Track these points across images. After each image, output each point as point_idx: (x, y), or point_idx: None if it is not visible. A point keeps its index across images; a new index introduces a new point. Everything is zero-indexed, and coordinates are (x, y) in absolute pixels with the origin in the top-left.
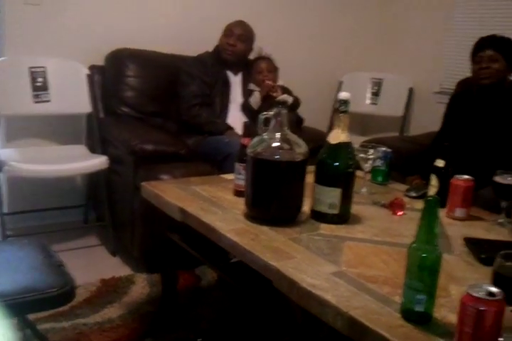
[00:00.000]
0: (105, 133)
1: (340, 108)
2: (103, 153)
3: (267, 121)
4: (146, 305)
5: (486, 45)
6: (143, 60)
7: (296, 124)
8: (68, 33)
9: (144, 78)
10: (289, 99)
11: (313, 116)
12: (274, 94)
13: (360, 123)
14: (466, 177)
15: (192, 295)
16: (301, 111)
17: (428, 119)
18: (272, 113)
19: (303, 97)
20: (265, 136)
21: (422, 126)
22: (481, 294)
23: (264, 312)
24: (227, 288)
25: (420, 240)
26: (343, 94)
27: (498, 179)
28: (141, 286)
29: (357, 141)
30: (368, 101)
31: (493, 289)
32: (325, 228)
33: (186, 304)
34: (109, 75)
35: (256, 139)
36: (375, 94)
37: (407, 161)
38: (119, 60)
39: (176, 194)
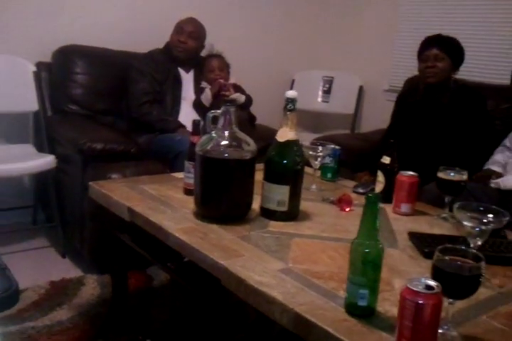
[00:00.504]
0: (53, 132)
1: (287, 106)
2: (51, 152)
3: (215, 119)
4: (96, 307)
5: (432, 44)
6: (92, 56)
7: (249, 122)
8: (14, 29)
9: (92, 75)
10: (242, 98)
11: (265, 114)
12: (227, 93)
13: (313, 120)
14: (411, 173)
15: (144, 296)
16: (254, 109)
17: (378, 117)
18: (220, 111)
19: (255, 95)
20: (214, 134)
21: (373, 124)
22: (419, 288)
23: (216, 312)
24: (180, 287)
25: (362, 236)
26: (291, 93)
27: (441, 175)
28: (92, 287)
29: (309, 138)
30: (319, 99)
31: (432, 283)
32: (274, 225)
33: (138, 305)
34: (57, 72)
35: (205, 137)
36: (327, 92)
37: (357, 158)
38: (66, 56)
39: (124, 193)
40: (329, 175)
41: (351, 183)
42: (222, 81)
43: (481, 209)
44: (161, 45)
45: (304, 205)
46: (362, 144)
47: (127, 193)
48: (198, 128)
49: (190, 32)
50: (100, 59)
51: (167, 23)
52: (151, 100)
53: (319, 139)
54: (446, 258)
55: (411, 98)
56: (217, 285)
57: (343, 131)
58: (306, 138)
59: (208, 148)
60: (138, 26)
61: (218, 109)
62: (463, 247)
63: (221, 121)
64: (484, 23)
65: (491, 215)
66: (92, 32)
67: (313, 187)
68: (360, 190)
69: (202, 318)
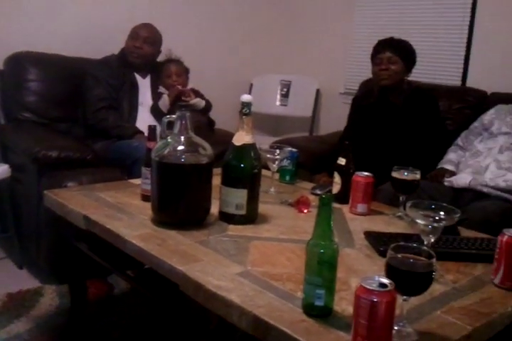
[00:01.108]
0: (6, 141)
1: (243, 110)
2: (4, 161)
3: (170, 124)
4: (55, 318)
5: (385, 48)
6: (45, 63)
7: (208, 127)
8: None
9: (46, 82)
10: (202, 103)
11: (224, 118)
12: (188, 99)
13: (272, 124)
14: (366, 174)
15: (104, 304)
16: (213, 113)
17: (335, 119)
18: (175, 116)
19: (214, 100)
20: (170, 139)
21: (330, 126)
22: (373, 286)
23: (177, 318)
24: (140, 295)
25: (317, 237)
26: (246, 97)
27: (395, 174)
28: (50, 298)
29: (268, 141)
30: (277, 103)
31: (385, 280)
32: (233, 229)
33: (98, 313)
34: (9, 80)
35: (160, 143)
36: (285, 96)
37: (315, 160)
38: (18, 63)
39: (80, 201)
40: (287, 178)
41: (309, 185)
42: (180, 87)
43: (433, 207)
44: (116, 51)
45: (263, 208)
46: (320, 146)
47: (83, 201)
48: (154, 134)
49: (146, 37)
50: (54, 65)
51: (122, 29)
52: (107, 106)
53: (278, 142)
54: (399, 256)
55: (366, 100)
56: (177, 292)
57: (302, 134)
58: (266, 142)
59: (164, 153)
60: (92, 32)
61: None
62: (415, 245)
63: (177, 126)
64: (435, 26)
65: (442, 213)
66: (45, 38)
67: (272, 190)
68: (318, 192)
69: (164, 325)
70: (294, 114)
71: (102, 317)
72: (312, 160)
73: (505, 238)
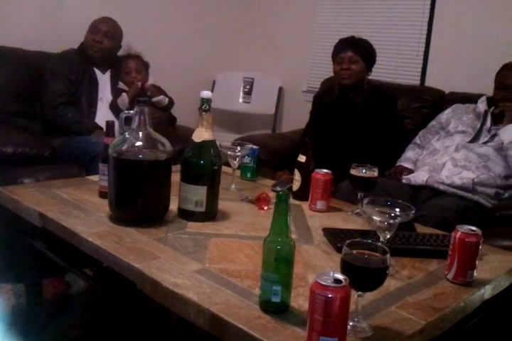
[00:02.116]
0: None
1: (202, 106)
2: None
3: (128, 120)
4: (11, 317)
5: (346, 47)
6: (1, 56)
7: (170, 123)
8: None
9: (3, 76)
10: (165, 100)
11: (186, 115)
12: (155, 97)
13: (235, 121)
14: (326, 171)
15: (61, 303)
16: (175, 110)
17: (297, 117)
18: (133, 111)
19: (176, 96)
20: (127, 135)
21: (293, 124)
22: (328, 282)
23: (136, 316)
24: (99, 293)
25: (274, 233)
26: (205, 93)
27: (353, 172)
28: (6, 298)
29: (231, 138)
30: (240, 100)
31: (339, 276)
32: (192, 226)
33: (55, 313)
34: None
35: (118, 139)
36: (248, 93)
37: (277, 157)
38: None
39: (35, 198)
40: (249, 175)
41: (270, 182)
42: (139, 84)
43: (389, 203)
44: (75, 45)
45: (223, 205)
46: (281, 144)
47: (39, 198)
48: (112, 130)
49: (106, 31)
50: (11, 59)
51: (82, 23)
52: (65, 102)
53: (240, 139)
54: (354, 252)
55: (326, 98)
56: (134, 290)
57: (265, 131)
58: (228, 139)
59: (122, 149)
60: (51, 26)
61: None
62: (370, 241)
63: (135, 122)
64: (395, 27)
65: (398, 209)
66: (2, 31)
67: (233, 187)
68: (278, 189)
69: (123, 324)
70: (256, 112)
71: (60, 316)
72: (274, 157)
73: (458, 234)
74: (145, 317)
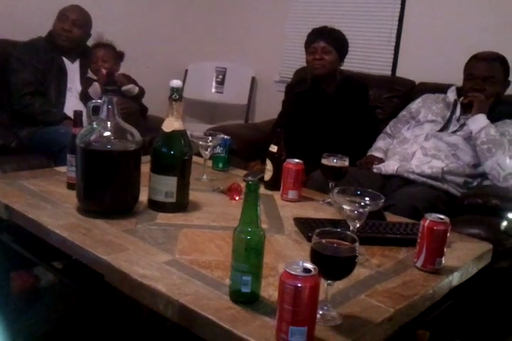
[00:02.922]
0: None
1: (172, 96)
2: None
3: (96, 109)
4: None
5: (319, 37)
6: None
7: (141, 113)
8: None
9: None
10: (135, 90)
11: (158, 104)
12: (124, 86)
13: (207, 111)
14: (297, 160)
15: (30, 297)
16: (147, 100)
17: (270, 107)
18: (101, 101)
19: (148, 86)
20: (95, 125)
21: (266, 114)
22: (297, 271)
23: (106, 309)
24: (68, 286)
25: (244, 223)
26: (175, 82)
27: (324, 161)
28: None
29: (204, 128)
30: (213, 90)
31: (309, 265)
32: (162, 217)
33: (23, 307)
34: None
35: (85, 129)
36: (220, 83)
37: (250, 147)
38: None
39: (1, 190)
40: (220, 165)
41: (242, 172)
42: (104, 71)
43: (359, 193)
44: (43, 33)
45: (194, 196)
46: (254, 134)
47: (4, 190)
48: (80, 120)
49: (75, 20)
50: None
51: (50, 10)
52: (33, 91)
53: (212, 129)
54: (323, 241)
55: (299, 88)
56: (103, 283)
57: (238, 122)
58: (201, 129)
59: (89, 139)
60: (18, 13)
61: None
62: (339, 230)
63: (103, 112)
64: (367, 17)
65: (368, 198)
66: None
67: (204, 177)
68: (250, 179)
69: (93, 317)
70: (229, 102)
71: (29, 310)
72: (246, 147)
73: (426, 222)
74: (115, 309)
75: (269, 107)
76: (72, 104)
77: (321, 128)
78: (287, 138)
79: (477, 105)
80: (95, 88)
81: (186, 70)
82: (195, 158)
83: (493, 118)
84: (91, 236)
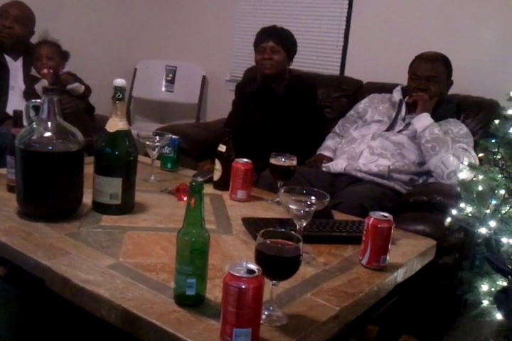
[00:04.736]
0: None
1: (116, 95)
2: None
3: (37, 109)
4: None
5: (268, 37)
6: None
7: (87, 112)
8: None
9: None
10: (81, 88)
11: (106, 103)
12: (70, 85)
13: (158, 110)
14: (246, 160)
15: None
16: (95, 99)
17: (221, 106)
18: (41, 100)
19: (96, 85)
20: (35, 125)
21: (217, 113)
22: (241, 273)
23: (51, 316)
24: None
25: (188, 225)
26: (119, 81)
27: (272, 161)
28: None
29: (153, 128)
30: (163, 89)
31: (252, 266)
32: (107, 220)
33: None
34: None
35: (24, 129)
36: (170, 82)
37: (200, 147)
38: None
39: None
40: (169, 165)
41: (192, 172)
42: (46, 70)
43: (305, 192)
44: None
45: (141, 197)
46: (204, 133)
47: None
48: (20, 119)
49: (17, 16)
50: None
51: None
52: None
53: (161, 129)
54: (267, 241)
55: (249, 87)
56: (44, 288)
57: (189, 121)
58: (151, 129)
59: (29, 140)
60: None
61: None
62: (283, 230)
63: (44, 112)
64: (316, 17)
65: (313, 197)
66: None
67: (152, 178)
68: (200, 179)
69: (37, 324)
70: (180, 101)
71: None
72: (196, 147)
73: (371, 220)
74: (59, 315)
75: (220, 106)
76: (14, 103)
77: (270, 128)
78: (238, 137)
79: (421, 104)
80: (43, 84)
81: (135, 69)
82: (143, 159)
83: (437, 117)
84: (31, 241)
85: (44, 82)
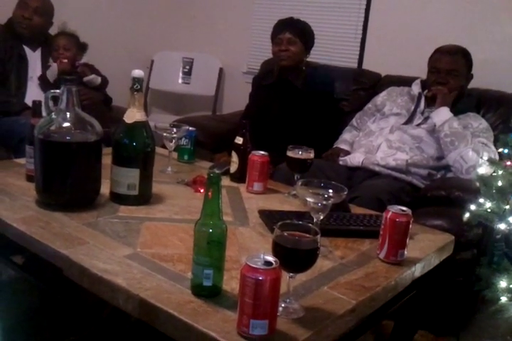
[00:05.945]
0: None
1: (134, 86)
2: None
3: (56, 99)
4: None
5: (285, 28)
6: None
7: (105, 104)
8: None
9: None
10: (98, 79)
11: (123, 95)
12: (86, 77)
13: (174, 102)
14: (262, 152)
15: None
16: (112, 90)
17: (238, 98)
18: (60, 91)
19: (113, 76)
20: (54, 115)
21: (233, 105)
22: (258, 264)
23: (67, 305)
24: (28, 281)
25: (206, 216)
26: (137, 72)
27: (289, 153)
28: None
29: (170, 120)
30: (180, 81)
31: (270, 258)
32: (124, 210)
33: None
34: None
35: (44, 119)
36: (187, 74)
37: (216, 139)
38: None
39: None
40: (186, 157)
41: (208, 164)
42: (64, 61)
43: (322, 185)
44: (2, 21)
45: (158, 188)
46: (220, 125)
47: None
48: (39, 110)
49: (36, 7)
50: None
51: None
52: None
53: (178, 121)
54: (285, 233)
55: (266, 80)
56: (62, 277)
57: (205, 113)
58: (167, 120)
59: (48, 130)
60: None
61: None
62: (301, 222)
63: (62, 102)
64: (333, 9)
65: (331, 190)
66: None
67: (169, 169)
68: (216, 171)
69: (55, 312)
70: (196, 93)
71: None
72: (213, 139)
73: (389, 214)
74: (77, 304)
75: (237, 99)
76: (33, 93)
77: (287, 121)
78: (254, 130)
79: (440, 98)
80: (53, 70)
81: (152, 60)
82: (160, 150)
83: (457, 111)
84: (49, 230)
85: (54, 67)
